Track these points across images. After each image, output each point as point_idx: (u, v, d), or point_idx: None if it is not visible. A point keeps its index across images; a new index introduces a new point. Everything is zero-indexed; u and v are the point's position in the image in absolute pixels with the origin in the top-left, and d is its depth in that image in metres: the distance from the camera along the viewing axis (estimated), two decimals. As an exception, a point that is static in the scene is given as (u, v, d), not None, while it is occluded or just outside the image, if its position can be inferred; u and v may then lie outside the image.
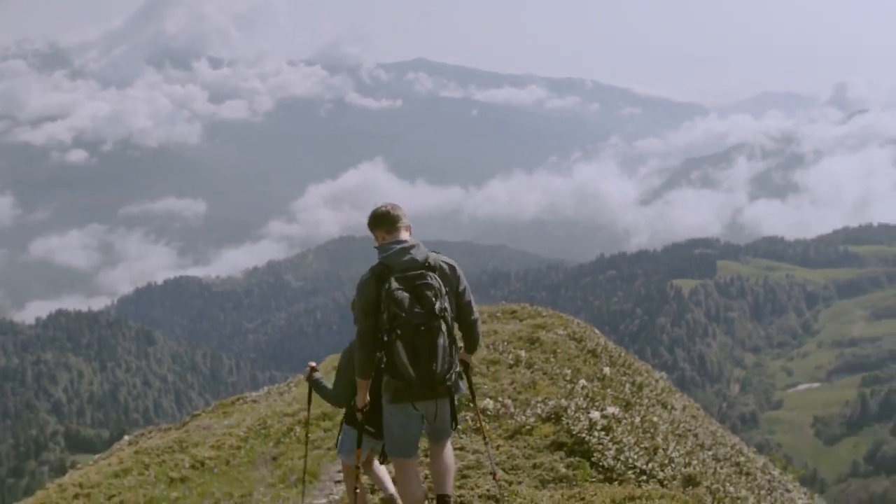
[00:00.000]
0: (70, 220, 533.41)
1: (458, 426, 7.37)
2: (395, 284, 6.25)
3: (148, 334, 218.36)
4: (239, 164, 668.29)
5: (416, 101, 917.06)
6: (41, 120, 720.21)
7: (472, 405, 8.30)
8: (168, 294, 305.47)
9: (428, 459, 7.28)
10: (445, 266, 6.58)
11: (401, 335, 6.19)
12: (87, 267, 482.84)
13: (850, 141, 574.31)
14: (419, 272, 6.35)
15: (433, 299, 6.26)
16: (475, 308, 6.83)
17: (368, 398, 6.88)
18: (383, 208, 6.77)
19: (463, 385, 6.80)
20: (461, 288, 6.65)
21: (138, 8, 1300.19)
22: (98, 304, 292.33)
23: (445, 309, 6.33)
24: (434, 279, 6.35)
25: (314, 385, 8.14)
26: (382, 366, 6.45)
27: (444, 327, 6.29)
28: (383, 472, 8.12)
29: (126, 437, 24.14)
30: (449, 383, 6.46)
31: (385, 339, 6.29)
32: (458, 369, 6.57)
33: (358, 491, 7.50)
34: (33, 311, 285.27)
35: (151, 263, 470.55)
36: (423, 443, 7.39)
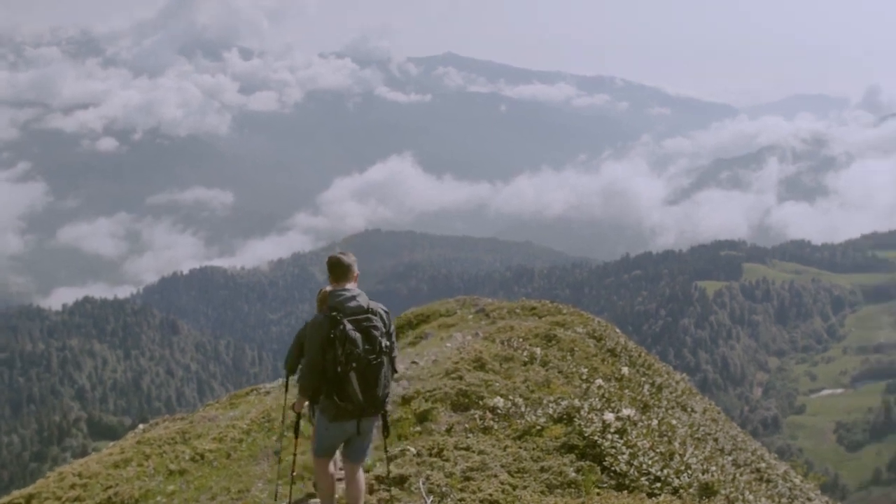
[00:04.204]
0: (98, 208, 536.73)
1: (388, 435, 8.43)
2: (349, 326, 7.53)
3: (172, 323, 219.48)
4: (267, 156, 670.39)
5: (445, 95, 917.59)
6: (73, 107, 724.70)
7: (479, 403, 8.56)
8: (193, 284, 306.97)
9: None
10: (381, 311, 7.87)
11: (356, 368, 7.52)
12: (113, 255, 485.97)
13: (882, 144, 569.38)
14: (365, 316, 7.66)
15: (379, 338, 7.62)
16: (397, 347, 8.37)
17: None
18: (335, 258, 8.07)
19: (389, 401, 8.08)
20: (391, 329, 7.91)
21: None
22: (123, 292, 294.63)
23: (387, 346, 7.73)
24: (378, 321, 7.70)
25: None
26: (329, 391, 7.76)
27: (385, 360, 7.71)
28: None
29: (141, 426, 23.81)
30: (386, 404, 7.87)
31: (339, 370, 7.53)
32: (390, 392, 7.96)
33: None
34: (59, 298, 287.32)
35: (178, 253, 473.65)
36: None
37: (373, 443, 9.78)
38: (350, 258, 8.06)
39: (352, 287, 7.92)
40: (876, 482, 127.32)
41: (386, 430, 8.20)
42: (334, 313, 7.63)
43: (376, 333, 7.61)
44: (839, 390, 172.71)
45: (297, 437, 9.36)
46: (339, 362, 7.51)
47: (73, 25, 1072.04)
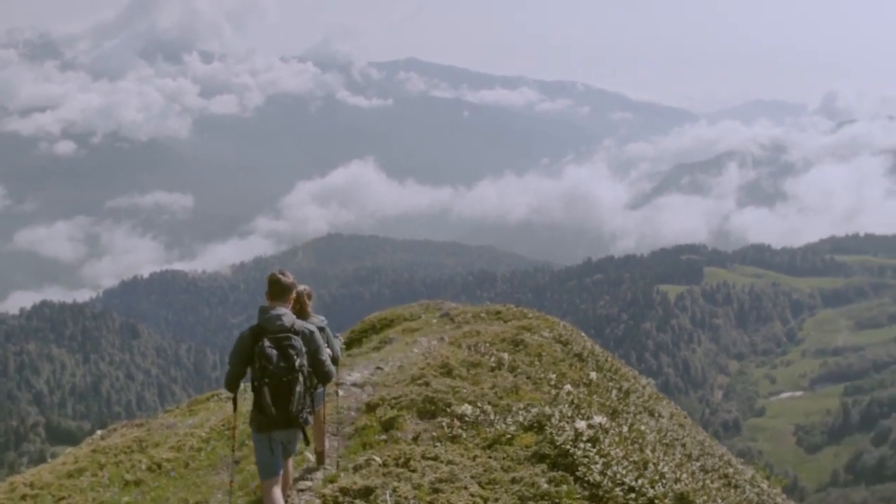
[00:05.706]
0: (57, 212, 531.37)
1: (309, 444, 8.99)
2: (267, 343, 7.99)
3: (132, 327, 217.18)
4: (228, 160, 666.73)
5: (407, 100, 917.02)
6: (30, 110, 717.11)
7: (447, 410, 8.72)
8: (154, 288, 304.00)
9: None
10: (307, 331, 8.34)
11: (269, 383, 7.93)
12: (72, 259, 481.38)
13: (838, 150, 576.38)
14: (286, 335, 8.09)
15: (295, 357, 8.01)
16: (328, 362, 8.62)
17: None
18: (275, 277, 8.46)
19: (311, 418, 8.48)
20: (315, 347, 8.38)
21: (131, 1, 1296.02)
22: (82, 296, 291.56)
23: (304, 365, 8.13)
24: (297, 341, 8.11)
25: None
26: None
27: (301, 378, 8.08)
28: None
29: (98, 432, 23.25)
30: (301, 419, 8.22)
31: (256, 384, 8.04)
32: (308, 408, 8.33)
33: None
34: (16, 302, 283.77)
35: (138, 257, 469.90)
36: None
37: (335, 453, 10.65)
38: (288, 279, 8.50)
39: (282, 308, 8.36)
40: (834, 483, 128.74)
41: (306, 439, 8.63)
42: (258, 330, 8.15)
43: (293, 353, 8.00)
44: (798, 393, 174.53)
45: (235, 410, 9.28)
46: (255, 377, 8.02)
47: (30, 28, 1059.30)
